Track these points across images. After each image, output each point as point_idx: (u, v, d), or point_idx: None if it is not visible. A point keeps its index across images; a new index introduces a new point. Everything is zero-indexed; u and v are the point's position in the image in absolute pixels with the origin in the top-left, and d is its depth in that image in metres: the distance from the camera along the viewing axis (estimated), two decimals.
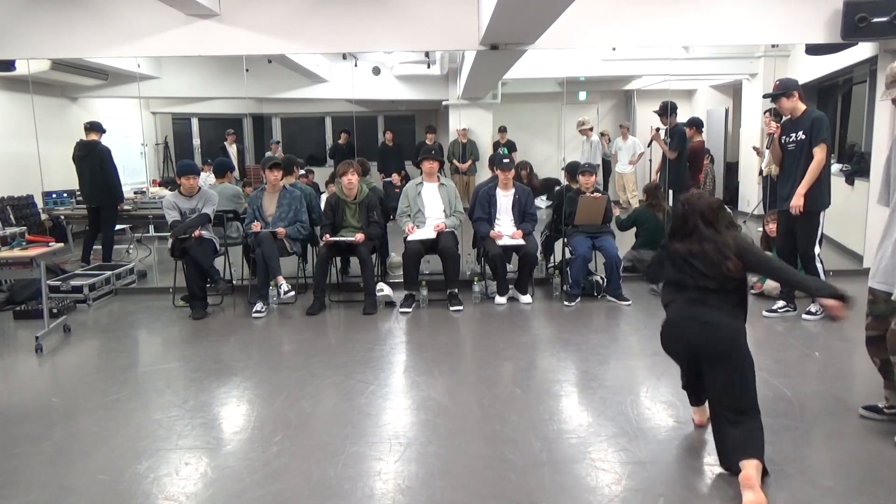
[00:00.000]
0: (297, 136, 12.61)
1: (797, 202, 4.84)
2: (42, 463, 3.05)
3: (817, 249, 4.99)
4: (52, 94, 8.37)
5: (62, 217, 7.64)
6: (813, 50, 6.86)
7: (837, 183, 7.29)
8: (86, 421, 3.52)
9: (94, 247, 7.14)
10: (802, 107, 4.91)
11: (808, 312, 5.06)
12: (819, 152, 4.78)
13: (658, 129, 7.11)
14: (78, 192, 7.39)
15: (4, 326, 5.44)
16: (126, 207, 7.48)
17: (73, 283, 5.98)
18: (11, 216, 7.20)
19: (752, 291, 5.79)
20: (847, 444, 3.10)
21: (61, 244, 5.30)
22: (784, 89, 4.87)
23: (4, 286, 6.02)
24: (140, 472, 2.93)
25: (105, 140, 7.04)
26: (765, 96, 5.10)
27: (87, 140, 6.90)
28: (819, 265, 5.02)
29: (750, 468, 2.60)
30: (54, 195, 7.53)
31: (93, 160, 6.82)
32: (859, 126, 7.81)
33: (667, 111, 6.91)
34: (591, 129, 9.80)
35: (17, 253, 4.75)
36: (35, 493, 2.79)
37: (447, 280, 5.64)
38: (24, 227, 6.32)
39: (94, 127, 6.95)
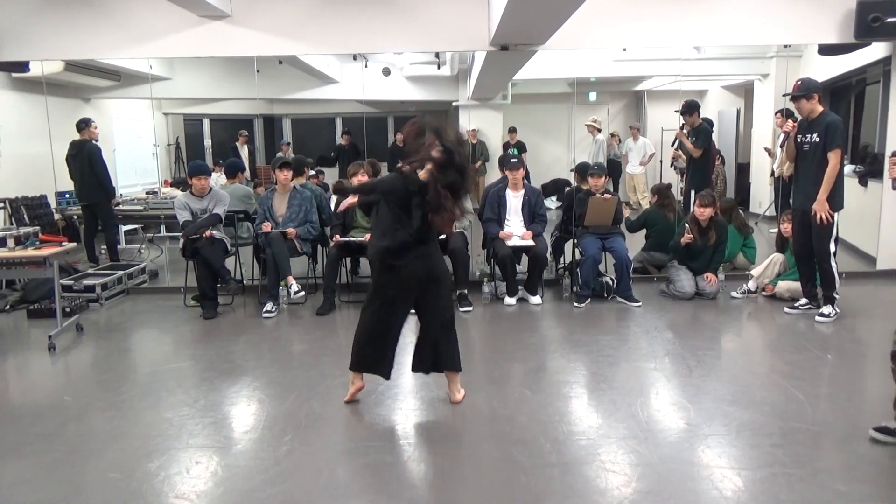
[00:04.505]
0: (308, 137, 12.65)
1: (822, 208, 4.84)
2: (55, 461, 3.08)
3: (832, 248, 4.98)
4: (65, 96, 8.43)
5: (75, 217, 7.70)
6: (826, 50, 6.81)
7: (850, 184, 7.24)
8: (98, 419, 3.55)
9: (102, 246, 7.20)
10: (820, 108, 4.92)
11: (822, 315, 5.03)
12: (833, 158, 4.80)
13: (682, 127, 7.07)
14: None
15: (18, 325, 5.49)
16: (137, 207, 7.53)
17: (86, 282, 6.03)
18: (25, 216, 7.25)
19: (764, 293, 5.76)
20: (859, 448, 3.07)
21: (74, 244, 5.34)
22: (805, 91, 4.87)
23: (18, 285, 6.08)
24: (151, 471, 2.95)
25: (117, 140, 7.08)
26: (785, 96, 5.09)
27: (79, 139, 6.96)
28: (833, 264, 5.01)
29: (455, 379, 3.59)
30: (67, 195, 7.59)
31: (82, 159, 6.87)
32: (873, 127, 7.74)
33: (688, 109, 6.88)
34: (598, 130, 9.77)
35: (30, 252, 4.79)
36: (47, 491, 2.81)
37: (457, 281, 5.63)
38: (38, 227, 6.35)
39: (84, 124, 6.99)
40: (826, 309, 5.04)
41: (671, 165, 8.72)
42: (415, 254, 3.35)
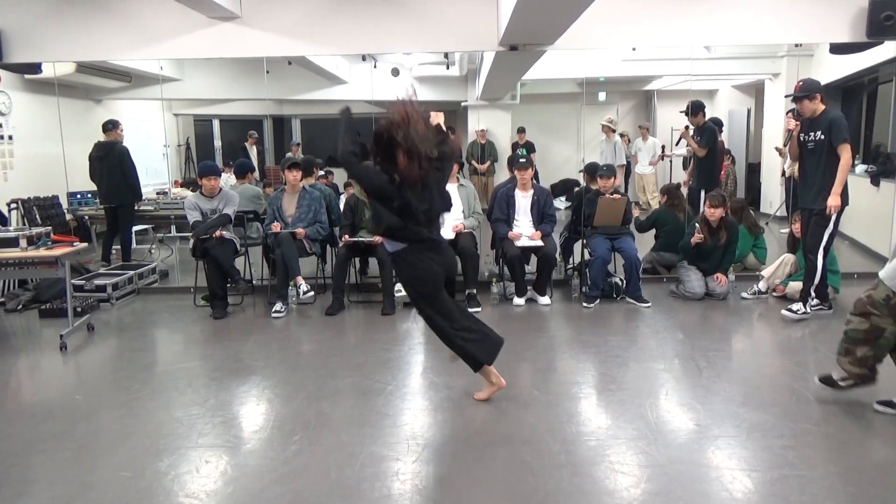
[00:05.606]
0: (317, 138, 12.67)
1: (835, 202, 4.81)
2: (65, 459, 3.10)
3: (821, 254, 4.92)
4: (77, 97, 8.50)
5: (86, 217, 7.76)
6: (837, 49, 6.75)
7: (863, 184, 7.19)
8: (108, 418, 3.57)
9: (114, 247, 7.25)
10: (822, 107, 4.90)
11: (789, 309, 5.02)
12: (844, 152, 4.76)
13: (687, 126, 7.07)
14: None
15: (30, 325, 5.54)
16: (147, 208, 7.57)
17: (97, 282, 6.07)
18: (37, 216, 7.32)
19: (775, 294, 5.72)
20: (870, 449, 3.06)
21: (85, 244, 5.37)
22: (807, 91, 4.85)
23: (30, 285, 6.13)
24: (161, 470, 2.96)
25: (128, 141, 7.13)
26: (787, 97, 5.07)
27: (106, 140, 7.01)
28: (821, 261, 4.91)
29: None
30: (79, 196, 7.65)
31: (112, 160, 6.91)
32: (885, 126, 7.68)
33: (694, 110, 6.87)
34: (613, 130, 9.74)
35: (42, 252, 4.82)
36: (58, 489, 2.83)
37: (466, 281, 5.64)
38: (50, 227, 6.40)
39: (112, 125, 7.03)
40: (796, 305, 5.01)
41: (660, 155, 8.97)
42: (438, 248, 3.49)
